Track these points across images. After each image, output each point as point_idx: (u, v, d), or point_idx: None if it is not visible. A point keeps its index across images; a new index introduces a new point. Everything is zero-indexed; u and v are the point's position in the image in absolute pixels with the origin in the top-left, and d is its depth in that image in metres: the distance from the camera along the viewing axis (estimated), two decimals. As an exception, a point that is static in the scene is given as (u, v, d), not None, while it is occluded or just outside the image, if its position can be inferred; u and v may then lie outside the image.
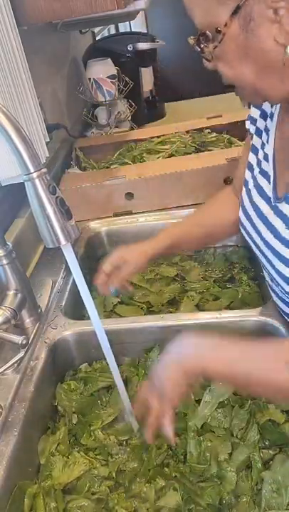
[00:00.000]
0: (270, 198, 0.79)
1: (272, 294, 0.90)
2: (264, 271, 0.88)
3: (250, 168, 0.87)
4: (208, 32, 0.64)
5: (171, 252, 1.11)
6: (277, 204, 0.77)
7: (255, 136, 0.87)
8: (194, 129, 1.68)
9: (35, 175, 0.64)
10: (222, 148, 1.54)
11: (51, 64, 1.77)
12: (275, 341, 0.78)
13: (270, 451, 0.79)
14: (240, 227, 0.90)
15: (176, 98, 2.61)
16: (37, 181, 0.65)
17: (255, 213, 0.83)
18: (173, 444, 0.79)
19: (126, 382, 0.94)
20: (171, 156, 1.53)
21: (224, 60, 0.66)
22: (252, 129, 0.88)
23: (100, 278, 1.00)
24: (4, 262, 0.91)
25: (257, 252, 0.85)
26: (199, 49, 0.67)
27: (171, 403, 0.70)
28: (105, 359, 0.81)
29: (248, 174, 0.88)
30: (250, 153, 0.88)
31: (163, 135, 1.66)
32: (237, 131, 1.66)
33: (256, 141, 0.87)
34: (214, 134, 1.63)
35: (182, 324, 0.96)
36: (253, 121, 0.88)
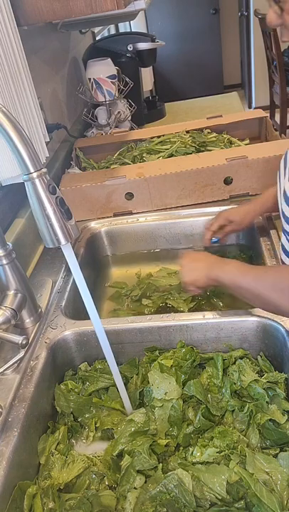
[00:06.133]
0: None
1: None
2: None
3: None
4: None
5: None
6: None
7: None
8: (194, 129, 1.68)
9: (35, 175, 0.64)
10: (222, 148, 1.54)
11: (51, 64, 1.77)
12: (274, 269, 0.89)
13: (271, 451, 0.79)
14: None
15: (176, 98, 2.62)
16: (37, 181, 0.65)
17: None
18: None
19: (126, 382, 0.94)
20: (171, 156, 1.53)
21: None
22: None
23: (207, 235, 1.21)
24: (4, 262, 0.91)
25: None
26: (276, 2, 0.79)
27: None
28: (106, 359, 0.81)
29: None
30: None
31: (163, 135, 1.66)
32: (237, 131, 1.66)
33: None
34: (214, 134, 1.63)
35: (182, 324, 0.96)
36: None
